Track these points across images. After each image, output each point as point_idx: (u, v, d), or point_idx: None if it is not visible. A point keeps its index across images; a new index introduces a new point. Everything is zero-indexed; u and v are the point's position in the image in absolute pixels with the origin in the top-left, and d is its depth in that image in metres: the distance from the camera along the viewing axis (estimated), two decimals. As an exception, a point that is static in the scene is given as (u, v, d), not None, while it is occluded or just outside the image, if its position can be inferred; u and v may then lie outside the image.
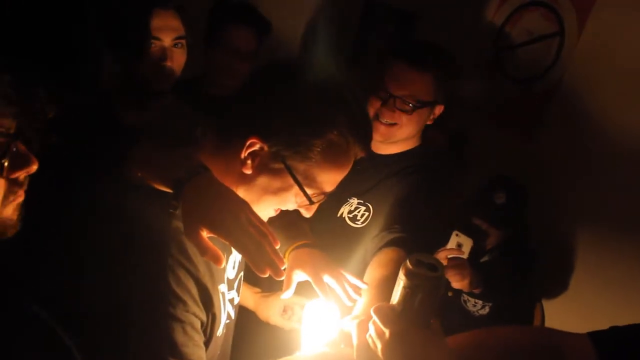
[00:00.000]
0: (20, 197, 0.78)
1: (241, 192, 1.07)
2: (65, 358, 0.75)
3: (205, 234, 0.90)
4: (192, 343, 0.97)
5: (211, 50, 2.10)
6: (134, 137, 1.08)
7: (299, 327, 1.61)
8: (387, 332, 0.90)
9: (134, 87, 1.59)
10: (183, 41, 1.60)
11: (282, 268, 0.93)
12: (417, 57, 1.66)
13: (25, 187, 0.78)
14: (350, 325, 1.07)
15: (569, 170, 2.23)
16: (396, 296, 0.92)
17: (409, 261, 0.90)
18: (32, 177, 0.80)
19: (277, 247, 0.96)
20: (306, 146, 1.02)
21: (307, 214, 1.15)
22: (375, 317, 0.93)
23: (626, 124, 2.04)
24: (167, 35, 1.55)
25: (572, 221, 2.21)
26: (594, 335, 1.06)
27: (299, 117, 1.02)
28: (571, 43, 2.22)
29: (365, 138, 1.09)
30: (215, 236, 0.92)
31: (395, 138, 1.74)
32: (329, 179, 1.09)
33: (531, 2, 2.38)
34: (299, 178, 1.04)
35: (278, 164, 1.03)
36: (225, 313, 1.16)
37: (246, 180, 1.07)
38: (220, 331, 1.13)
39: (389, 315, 0.92)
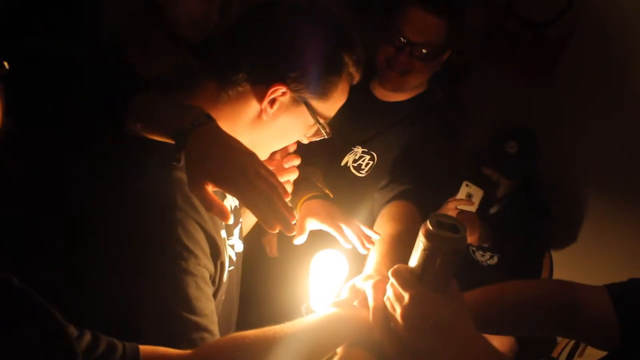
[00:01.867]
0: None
1: (255, 135, 1.06)
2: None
3: (210, 188, 0.87)
4: (205, 297, 0.95)
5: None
6: (133, 86, 1.03)
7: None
8: (406, 296, 0.87)
9: (161, 27, 1.52)
10: (224, 5, 1.53)
11: (293, 222, 0.90)
12: (438, 3, 1.59)
13: None
14: (366, 286, 1.04)
15: (580, 119, 2.18)
16: (415, 258, 0.89)
17: (430, 222, 0.86)
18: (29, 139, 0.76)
19: (288, 199, 0.93)
20: (327, 87, 1.04)
21: (306, 141, 1.17)
22: (393, 280, 0.91)
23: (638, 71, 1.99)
24: None
25: (582, 172, 2.19)
26: (611, 288, 1.05)
27: (320, 59, 1.02)
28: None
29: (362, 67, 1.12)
30: (221, 190, 0.88)
31: (407, 86, 1.69)
32: (336, 108, 1.12)
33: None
34: (318, 115, 1.06)
35: (299, 105, 1.04)
36: (228, 259, 1.14)
37: (261, 124, 1.05)
38: (224, 277, 1.11)
39: (408, 278, 0.89)
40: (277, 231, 0.88)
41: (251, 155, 0.90)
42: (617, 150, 2.06)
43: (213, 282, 1.02)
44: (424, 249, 0.86)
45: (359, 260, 1.29)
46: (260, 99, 1.02)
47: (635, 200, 1.99)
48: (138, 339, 0.85)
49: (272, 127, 1.06)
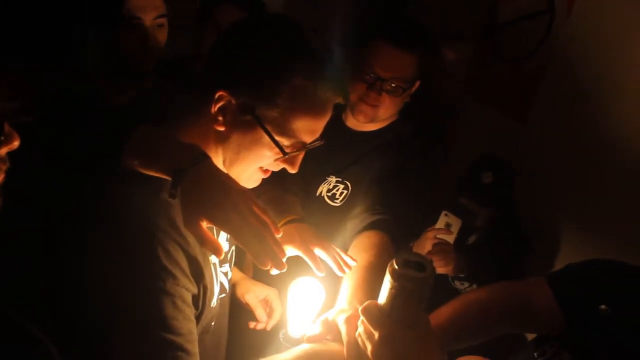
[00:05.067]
0: (3, 175, 0.77)
1: (220, 152, 1.08)
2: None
3: (205, 224, 0.90)
4: (182, 316, 0.97)
5: (200, 28, 2.07)
6: (128, 121, 1.04)
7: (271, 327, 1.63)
8: (376, 334, 0.90)
9: (114, 67, 1.56)
10: (164, 20, 1.55)
11: (284, 260, 0.93)
12: (405, 38, 1.65)
13: (7, 165, 0.77)
14: (339, 320, 1.07)
15: (559, 150, 2.22)
16: (384, 296, 0.92)
17: (396, 262, 0.89)
18: (17, 162, 0.78)
19: (279, 236, 0.96)
20: (271, 93, 1.01)
21: (291, 169, 1.13)
22: (363, 318, 0.93)
23: (616, 103, 2.03)
24: (149, 14, 1.50)
25: (561, 202, 2.21)
26: (550, 277, 1.19)
27: (260, 64, 1.01)
28: (561, 20, 2.19)
29: (334, 80, 1.07)
30: (215, 227, 0.92)
31: (379, 118, 1.74)
32: (304, 127, 1.06)
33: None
34: (270, 127, 1.03)
35: (247, 115, 1.03)
36: (218, 284, 1.16)
37: (222, 138, 1.06)
38: (214, 302, 1.14)
39: (377, 316, 0.91)
40: (268, 267, 0.91)
41: (245, 193, 0.94)
42: (597, 182, 2.09)
43: (196, 305, 1.04)
44: (391, 288, 0.89)
45: (335, 286, 1.32)
46: (211, 108, 1.04)
47: (614, 232, 2.01)
48: (113, 356, 0.88)
49: (231, 142, 1.06)
